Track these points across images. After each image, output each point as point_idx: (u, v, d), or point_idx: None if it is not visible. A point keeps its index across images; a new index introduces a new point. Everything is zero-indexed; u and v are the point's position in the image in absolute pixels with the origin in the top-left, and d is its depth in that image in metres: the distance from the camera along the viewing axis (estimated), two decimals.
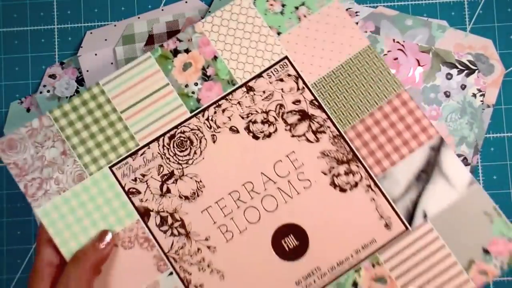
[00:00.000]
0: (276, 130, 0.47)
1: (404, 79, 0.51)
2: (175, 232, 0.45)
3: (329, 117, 0.47)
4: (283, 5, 0.48)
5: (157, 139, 0.46)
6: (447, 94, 0.51)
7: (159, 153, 0.46)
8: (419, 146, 0.45)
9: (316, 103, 0.47)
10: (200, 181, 0.46)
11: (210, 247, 0.45)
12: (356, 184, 0.46)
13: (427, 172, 0.45)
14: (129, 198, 0.45)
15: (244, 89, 0.47)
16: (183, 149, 0.46)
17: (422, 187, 0.45)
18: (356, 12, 0.52)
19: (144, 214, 0.46)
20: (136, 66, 0.46)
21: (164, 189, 0.46)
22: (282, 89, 0.47)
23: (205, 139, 0.46)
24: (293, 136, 0.47)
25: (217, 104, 0.47)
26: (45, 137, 0.46)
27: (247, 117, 0.47)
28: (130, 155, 0.46)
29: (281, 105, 0.47)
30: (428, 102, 0.50)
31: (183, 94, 0.47)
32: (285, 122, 0.47)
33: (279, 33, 0.48)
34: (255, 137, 0.47)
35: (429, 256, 0.44)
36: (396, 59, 0.51)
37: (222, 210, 0.46)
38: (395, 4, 0.54)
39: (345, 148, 0.46)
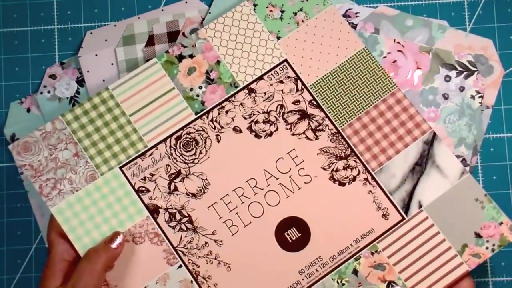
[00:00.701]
0: (277, 129, 0.51)
1: (403, 81, 0.51)
2: (183, 227, 0.49)
3: (327, 116, 0.51)
4: (282, 11, 0.52)
5: (164, 140, 0.50)
6: (446, 96, 0.51)
7: (166, 154, 0.50)
8: (413, 140, 0.50)
9: (315, 103, 0.51)
10: (206, 179, 0.50)
11: (217, 240, 0.49)
12: (354, 178, 0.50)
13: (421, 164, 0.50)
14: (139, 196, 0.49)
15: (246, 91, 0.51)
16: (189, 149, 0.50)
17: (417, 179, 0.50)
18: (356, 13, 0.53)
19: (154, 211, 0.49)
20: (143, 72, 0.51)
21: (172, 187, 0.50)
22: (282, 90, 0.51)
23: (210, 139, 0.50)
24: (293, 134, 0.51)
25: (220, 106, 0.51)
26: (58, 139, 0.50)
27: (249, 117, 0.51)
28: (139, 156, 0.50)
29: (282, 106, 0.51)
30: (426, 104, 0.51)
31: (188, 97, 0.51)
32: (286, 121, 0.51)
33: (278, 38, 0.52)
34: (258, 136, 0.51)
35: (425, 242, 0.48)
36: (394, 61, 0.51)
37: (227, 205, 0.50)
38: (395, 4, 0.54)
39: (343, 145, 0.50)
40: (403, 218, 0.49)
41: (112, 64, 0.55)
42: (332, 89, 0.51)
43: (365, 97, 0.50)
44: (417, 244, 0.48)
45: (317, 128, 0.50)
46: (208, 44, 0.51)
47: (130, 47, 0.55)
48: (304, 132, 0.50)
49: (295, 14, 0.52)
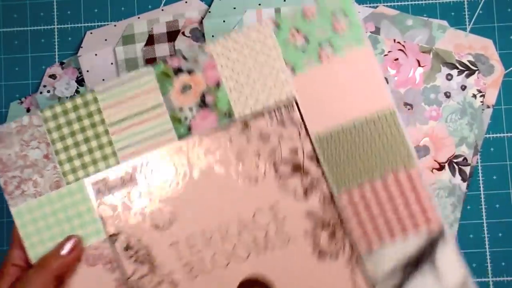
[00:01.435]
0: (264, 176, 0.44)
1: (405, 79, 0.51)
2: (140, 259, 0.44)
3: (324, 175, 0.43)
4: (306, 39, 0.44)
5: (139, 160, 0.45)
6: (447, 95, 0.51)
7: (137, 176, 0.45)
8: (414, 228, 0.42)
9: (314, 157, 0.43)
10: (174, 213, 0.44)
11: (173, 282, 0.44)
12: (337, 255, 0.43)
13: (418, 262, 0.41)
14: (100, 216, 0.45)
15: (240, 125, 0.44)
16: (165, 177, 0.45)
17: (408, 276, 0.41)
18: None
19: (113, 235, 0.44)
20: (135, 79, 0.46)
21: (137, 213, 0.45)
22: (281, 134, 0.44)
23: (188, 170, 0.44)
24: (281, 186, 0.43)
25: (207, 135, 0.44)
26: (31, 136, 0.45)
27: (236, 156, 0.44)
28: (108, 172, 0.45)
29: (275, 151, 0.44)
30: (428, 102, 0.51)
31: (175, 118, 0.44)
32: (276, 170, 0.43)
33: (293, 70, 0.43)
34: (241, 179, 0.44)
35: None
36: (396, 59, 0.51)
37: (191, 247, 0.44)
38: (395, 4, 0.54)
39: (334, 213, 0.43)
40: None
41: (111, 63, 0.55)
42: (339, 146, 0.43)
43: (374, 164, 0.42)
44: None
45: (309, 187, 0.43)
46: (211, 62, 0.44)
47: (130, 46, 0.55)
48: (294, 188, 0.43)
49: (321, 46, 0.43)
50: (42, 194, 0.44)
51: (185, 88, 0.44)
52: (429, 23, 0.54)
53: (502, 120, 0.55)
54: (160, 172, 0.44)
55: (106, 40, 0.56)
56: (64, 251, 0.43)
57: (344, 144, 0.43)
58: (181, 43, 0.54)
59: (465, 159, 0.52)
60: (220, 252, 0.44)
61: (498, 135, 0.54)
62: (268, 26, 0.44)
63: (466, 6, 0.56)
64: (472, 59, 0.53)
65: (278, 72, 0.43)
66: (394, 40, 0.53)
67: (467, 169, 0.50)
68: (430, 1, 0.56)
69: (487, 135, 0.54)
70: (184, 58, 0.45)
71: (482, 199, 0.54)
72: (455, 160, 0.51)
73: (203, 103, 0.44)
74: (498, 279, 0.54)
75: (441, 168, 0.52)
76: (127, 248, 0.44)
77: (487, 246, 0.54)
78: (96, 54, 0.55)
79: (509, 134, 0.54)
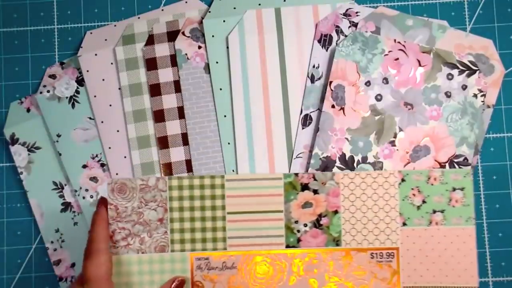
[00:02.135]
0: None
1: (405, 79, 0.51)
2: None
3: None
4: (423, 201, 0.49)
5: (245, 253, 0.49)
6: (448, 95, 0.51)
7: (240, 267, 0.49)
8: None
9: None
10: None
11: None
12: None
13: None
14: None
15: (343, 253, 0.49)
16: (263, 275, 0.49)
17: None
18: (357, 12, 0.52)
19: None
20: (264, 180, 0.49)
21: None
22: (375, 274, 0.49)
23: (286, 276, 0.49)
24: None
25: (313, 253, 0.49)
26: (153, 198, 0.49)
27: (329, 278, 0.49)
28: (213, 254, 0.49)
29: (366, 286, 0.49)
30: (429, 102, 0.51)
31: (289, 227, 0.49)
32: None
33: (404, 224, 0.49)
34: None
35: None
36: (397, 59, 0.50)
37: None
38: (395, 4, 0.54)
39: None
40: None
41: (111, 63, 0.55)
42: None
43: None
44: None
45: None
46: (337, 190, 0.49)
47: (130, 46, 0.55)
48: None
49: (434, 212, 0.49)
50: (145, 252, 0.48)
51: (306, 205, 0.49)
52: (429, 23, 0.54)
53: (502, 120, 0.55)
54: (260, 269, 0.49)
55: (106, 40, 0.55)
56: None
57: None
58: (181, 43, 0.54)
59: (465, 159, 0.51)
60: None
61: (498, 135, 0.54)
62: (395, 178, 0.49)
63: (466, 6, 0.56)
64: (473, 59, 0.53)
65: (391, 220, 0.49)
66: (395, 40, 0.53)
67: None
68: (430, 1, 0.56)
69: (487, 135, 0.54)
70: (314, 178, 0.49)
71: (482, 199, 0.54)
72: (455, 160, 0.51)
73: (317, 223, 0.49)
74: (498, 279, 0.54)
75: (441, 168, 0.51)
76: None
77: (487, 246, 0.54)
78: (96, 54, 0.55)
79: (509, 134, 0.54)
